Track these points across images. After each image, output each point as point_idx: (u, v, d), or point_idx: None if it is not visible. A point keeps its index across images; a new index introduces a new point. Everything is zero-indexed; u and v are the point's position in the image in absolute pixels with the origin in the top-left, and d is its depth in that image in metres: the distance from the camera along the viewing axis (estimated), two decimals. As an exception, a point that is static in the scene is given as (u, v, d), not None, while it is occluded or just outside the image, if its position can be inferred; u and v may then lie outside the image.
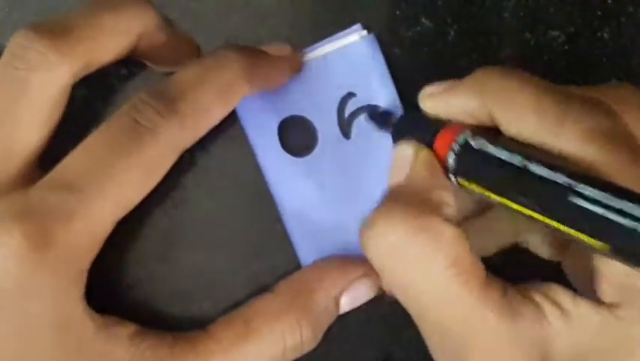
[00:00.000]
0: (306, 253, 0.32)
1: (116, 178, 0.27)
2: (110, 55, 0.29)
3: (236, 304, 0.32)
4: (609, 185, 0.22)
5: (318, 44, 0.32)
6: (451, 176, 0.26)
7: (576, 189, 0.22)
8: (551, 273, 0.28)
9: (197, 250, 0.33)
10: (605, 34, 0.33)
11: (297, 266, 0.32)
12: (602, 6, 0.33)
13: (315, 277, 0.31)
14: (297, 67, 0.32)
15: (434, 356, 0.27)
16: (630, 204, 0.21)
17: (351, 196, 0.32)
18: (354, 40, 0.32)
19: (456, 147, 0.26)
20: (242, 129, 0.33)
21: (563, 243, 0.29)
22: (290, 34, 0.33)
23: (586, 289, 0.26)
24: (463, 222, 0.30)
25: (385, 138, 0.32)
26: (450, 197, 0.26)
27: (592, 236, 0.22)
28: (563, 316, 0.24)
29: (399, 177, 0.27)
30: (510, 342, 0.24)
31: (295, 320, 0.30)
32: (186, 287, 0.33)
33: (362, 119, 0.32)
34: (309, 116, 0.32)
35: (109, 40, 0.29)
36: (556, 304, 0.24)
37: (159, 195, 0.31)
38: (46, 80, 0.28)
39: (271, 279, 0.32)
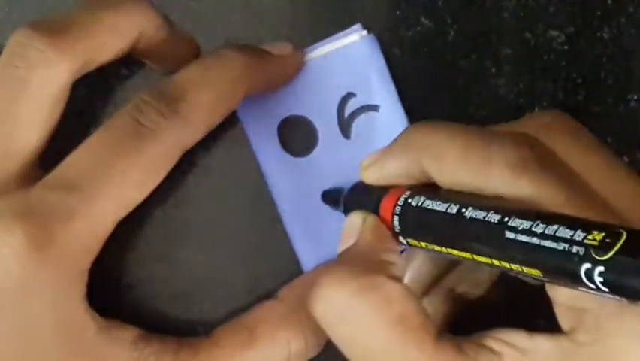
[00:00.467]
0: (307, 254, 0.32)
1: (117, 178, 0.27)
2: (110, 54, 0.29)
3: (236, 305, 0.32)
4: (538, 213, 0.22)
5: (318, 44, 0.32)
6: (402, 239, 0.26)
7: (509, 224, 0.22)
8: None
9: (197, 250, 0.33)
10: (604, 35, 0.33)
11: (298, 266, 0.32)
12: (602, 6, 0.33)
13: None
14: (298, 66, 0.32)
15: None
16: (557, 227, 0.21)
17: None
18: (354, 40, 0.32)
19: (397, 209, 0.26)
20: (242, 129, 0.33)
21: None
22: (290, 34, 0.33)
23: None
24: (446, 274, 0.30)
25: (386, 137, 0.32)
26: (397, 257, 0.26)
27: (528, 265, 0.22)
28: (520, 356, 0.24)
29: (346, 244, 0.27)
30: None
31: (299, 327, 0.30)
32: (186, 287, 0.33)
33: (362, 118, 0.32)
34: (309, 116, 0.32)
35: (108, 39, 0.29)
36: (512, 346, 0.24)
37: (160, 195, 0.31)
38: (46, 78, 0.28)
39: (271, 279, 0.32)
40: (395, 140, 0.27)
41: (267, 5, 0.33)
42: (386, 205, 0.26)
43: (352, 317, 0.24)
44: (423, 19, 0.33)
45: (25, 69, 0.28)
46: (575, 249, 0.20)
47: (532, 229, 0.21)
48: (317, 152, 0.32)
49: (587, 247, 0.20)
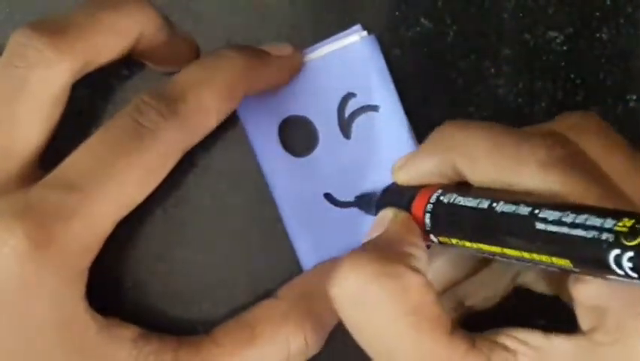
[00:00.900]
0: (307, 254, 0.32)
1: (117, 178, 0.27)
2: (110, 54, 0.29)
3: (236, 305, 0.32)
4: (567, 205, 0.22)
5: (318, 45, 0.32)
6: (432, 236, 0.27)
7: (539, 215, 0.22)
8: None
9: (197, 250, 0.33)
10: (603, 35, 0.33)
11: (298, 266, 0.33)
12: (601, 7, 0.33)
13: (318, 280, 0.31)
14: (298, 67, 0.32)
15: None
16: (587, 216, 0.21)
17: (351, 196, 0.32)
18: (355, 40, 0.32)
19: (429, 207, 0.26)
20: (242, 129, 0.33)
21: (557, 278, 0.29)
22: (290, 34, 0.33)
23: None
24: (462, 282, 0.30)
25: (386, 137, 0.32)
26: (421, 253, 0.26)
27: (558, 255, 0.22)
28: (535, 354, 0.24)
29: (374, 234, 0.27)
30: None
31: (299, 325, 0.30)
32: (186, 287, 0.33)
33: (362, 119, 0.32)
34: (309, 116, 0.33)
35: (108, 40, 0.29)
36: (526, 344, 0.24)
37: (160, 194, 0.31)
38: (46, 78, 0.28)
39: (271, 279, 0.32)
40: (426, 140, 0.28)
41: (268, 6, 0.33)
42: (418, 204, 0.27)
43: (368, 303, 0.24)
44: (423, 20, 0.33)
45: (24, 69, 0.28)
46: (604, 236, 0.21)
47: (562, 219, 0.22)
48: (317, 152, 0.33)
49: (616, 233, 0.20)
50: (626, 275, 0.20)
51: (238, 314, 0.31)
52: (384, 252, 0.25)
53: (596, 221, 0.21)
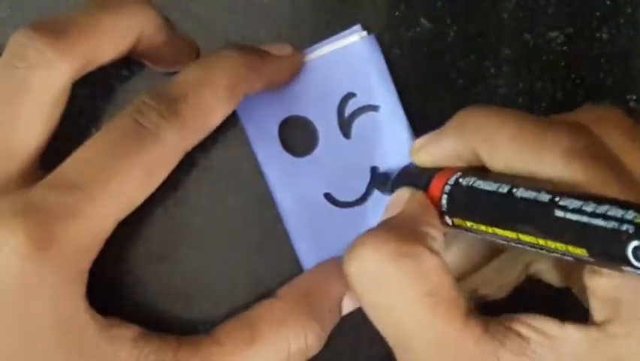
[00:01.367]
0: (307, 254, 0.32)
1: (118, 179, 0.27)
2: (110, 54, 0.29)
3: (236, 304, 0.32)
4: (589, 195, 0.23)
5: (318, 45, 0.33)
6: (447, 219, 0.27)
7: (559, 203, 0.23)
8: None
9: (197, 250, 0.33)
10: (603, 35, 0.33)
11: (298, 266, 0.33)
12: (601, 7, 0.33)
13: (318, 280, 0.32)
14: (297, 67, 0.32)
15: None
16: (608, 207, 0.21)
17: (351, 196, 0.32)
18: (354, 40, 0.32)
19: (447, 188, 0.26)
20: (242, 129, 0.33)
21: (569, 269, 0.29)
22: (290, 34, 0.33)
23: None
24: (474, 271, 0.30)
25: (386, 137, 0.32)
26: (438, 233, 0.26)
27: (575, 244, 0.22)
28: (549, 343, 0.24)
29: (391, 213, 0.27)
30: None
31: (300, 325, 0.30)
32: (186, 287, 0.33)
33: (362, 119, 0.33)
34: (309, 117, 0.33)
35: (108, 40, 0.29)
36: (540, 332, 0.24)
37: (160, 194, 0.31)
38: (46, 78, 0.28)
39: (271, 279, 0.33)
40: (448, 122, 0.28)
41: (268, 6, 0.33)
42: (436, 184, 0.27)
43: (385, 282, 0.25)
44: (423, 20, 0.33)
45: (25, 69, 0.28)
46: (624, 227, 0.21)
47: (583, 208, 0.22)
48: (317, 152, 0.33)
49: (637, 225, 0.21)
50: None
51: (238, 314, 0.31)
52: (401, 231, 0.25)
53: (618, 212, 0.21)
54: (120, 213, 0.28)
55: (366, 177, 0.32)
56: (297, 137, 0.33)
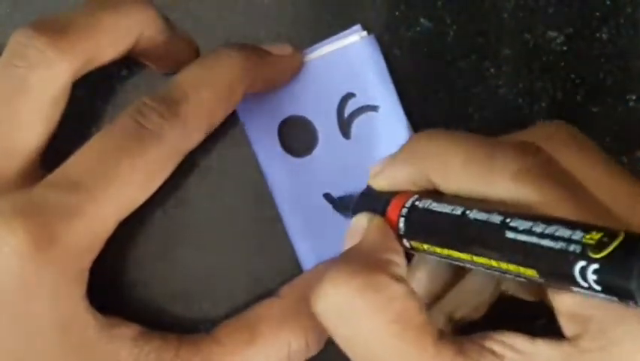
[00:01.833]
0: (307, 254, 0.32)
1: (119, 179, 0.27)
2: (110, 54, 0.29)
3: (236, 304, 0.32)
4: (539, 216, 0.23)
5: (318, 45, 0.33)
6: (405, 241, 0.27)
7: (510, 224, 0.23)
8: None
9: (197, 250, 0.33)
10: (603, 35, 0.33)
11: (298, 266, 0.33)
12: (601, 7, 0.33)
13: (319, 280, 0.31)
14: (297, 67, 0.32)
15: None
16: (557, 227, 0.22)
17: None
18: (354, 40, 0.32)
19: (404, 211, 0.26)
20: (242, 129, 0.33)
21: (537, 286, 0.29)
22: (290, 34, 0.33)
23: None
24: (444, 294, 0.30)
25: (386, 137, 0.32)
26: (400, 258, 0.26)
27: (525, 265, 0.22)
28: (521, 359, 0.24)
29: (350, 244, 0.27)
30: None
31: (300, 325, 0.30)
32: (186, 287, 0.33)
33: (362, 119, 0.33)
34: (309, 117, 0.33)
35: (108, 39, 0.29)
36: (513, 349, 0.24)
37: (160, 194, 0.31)
38: (46, 77, 0.28)
39: (271, 279, 0.32)
40: (401, 148, 0.28)
41: (267, 6, 0.33)
42: (394, 208, 0.27)
43: (353, 316, 0.24)
44: (422, 20, 0.33)
45: (25, 69, 0.28)
46: (572, 247, 0.21)
47: (532, 228, 0.22)
48: (317, 152, 0.33)
49: (583, 245, 0.20)
50: (590, 288, 0.20)
51: (238, 314, 0.31)
52: (364, 262, 0.25)
53: (565, 232, 0.21)
54: (121, 213, 0.28)
55: (366, 178, 0.32)
56: (297, 137, 0.33)
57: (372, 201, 0.28)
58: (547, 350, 0.24)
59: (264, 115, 0.32)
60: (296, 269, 0.33)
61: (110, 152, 0.27)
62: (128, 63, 0.32)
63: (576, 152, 0.28)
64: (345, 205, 0.31)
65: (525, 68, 0.33)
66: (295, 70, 0.32)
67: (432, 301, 0.30)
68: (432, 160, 0.26)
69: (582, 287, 0.21)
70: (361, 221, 0.27)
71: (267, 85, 0.31)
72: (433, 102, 0.33)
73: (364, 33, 0.33)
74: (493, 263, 0.23)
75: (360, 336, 0.24)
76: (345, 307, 0.24)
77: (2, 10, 0.33)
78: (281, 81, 0.32)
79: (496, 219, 0.23)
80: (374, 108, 0.32)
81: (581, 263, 0.20)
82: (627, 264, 0.20)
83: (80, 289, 0.28)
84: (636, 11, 0.33)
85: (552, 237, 0.21)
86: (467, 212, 0.24)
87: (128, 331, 0.28)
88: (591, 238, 0.20)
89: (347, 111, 0.32)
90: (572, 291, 0.21)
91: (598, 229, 0.21)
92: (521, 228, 0.22)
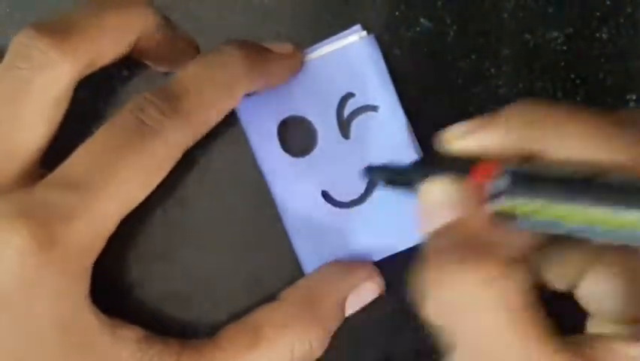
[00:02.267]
0: (307, 254, 0.32)
1: (119, 177, 0.27)
2: (112, 54, 0.29)
3: (236, 304, 0.32)
4: None
5: (317, 45, 0.33)
6: (494, 208, 0.25)
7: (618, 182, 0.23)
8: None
9: (197, 250, 0.33)
10: (603, 35, 0.33)
11: (298, 266, 0.33)
12: (601, 7, 0.33)
13: (322, 283, 0.31)
14: (298, 66, 0.32)
15: None
16: None
17: (350, 196, 0.32)
18: (354, 40, 0.32)
19: (504, 175, 0.25)
20: (242, 129, 0.33)
21: (580, 267, 0.29)
22: (290, 34, 0.33)
23: (604, 312, 0.27)
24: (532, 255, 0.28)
25: (385, 138, 0.32)
26: (507, 235, 0.25)
27: None
28: None
29: (438, 220, 0.26)
30: None
31: (303, 329, 0.30)
32: (186, 287, 0.33)
33: (361, 119, 0.32)
34: (308, 117, 0.33)
35: (110, 40, 0.29)
36: (624, 356, 0.23)
37: (160, 194, 0.31)
38: (49, 79, 0.28)
39: (271, 279, 0.32)
40: (496, 114, 0.27)
41: (268, 6, 0.33)
42: (483, 173, 0.26)
43: (471, 317, 0.24)
44: (422, 20, 0.33)
45: (28, 70, 0.28)
46: None
47: None
48: (316, 152, 0.33)
49: None
50: None
51: (238, 315, 0.31)
52: (471, 250, 0.24)
53: None
54: (122, 210, 0.28)
55: (366, 177, 0.32)
56: (296, 137, 0.33)
57: (440, 168, 0.27)
58: None
59: (264, 115, 0.32)
60: (296, 269, 0.33)
61: (110, 149, 0.27)
62: (129, 64, 0.32)
63: None
64: (390, 174, 0.30)
65: (525, 68, 0.33)
66: (295, 68, 0.32)
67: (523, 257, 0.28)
68: (548, 125, 0.26)
69: None
70: (439, 190, 0.26)
71: (268, 83, 0.31)
72: (433, 102, 0.33)
73: (364, 33, 0.33)
74: (607, 222, 0.23)
75: (479, 338, 0.24)
76: (462, 308, 0.24)
77: (2, 10, 0.33)
78: (281, 79, 0.32)
79: (608, 180, 0.23)
80: (374, 108, 0.32)
81: None
82: None
83: (82, 288, 0.28)
84: (636, 11, 0.33)
85: None
86: (575, 174, 0.24)
87: (131, 333, 0.28)
88: None
89: (346, 111, 0.32)
90: None
91: None
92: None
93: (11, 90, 0.28)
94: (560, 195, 0.24)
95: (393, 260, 0.32)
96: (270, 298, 0.31)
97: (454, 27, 0.33)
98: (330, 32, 0.33)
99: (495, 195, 0.25)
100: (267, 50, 0.31)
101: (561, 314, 0.25)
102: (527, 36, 0.33)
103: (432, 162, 0.28)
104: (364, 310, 0.32)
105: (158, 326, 0.30)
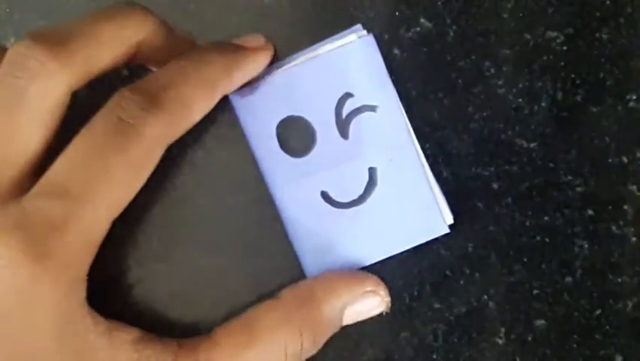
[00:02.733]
0: (306, 254, 0.32)
1: (106, 180, 0.27)
2: (109, 63, 0.29)
3: (235, 304, 0.32)
4: None
5: (317, 44, 0.33)
6: None
7: None
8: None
9: (197, 250, 0.33)
10: (603, 35, 0.33)
11: (298, 266, 0.33)
12: (601, 7, 0.33)
13: (322, 287, 0.31)
14: (269, 57, 0.32)
15: None
16: None
17: (349, 197, 0.32)
18: (353, 40, 0.32)
19: None
20: (241, 130, 0.33)
21: None
22: (290, 34, 0.33)
23: None
24: None
25: (384, 138, 0.32)
26: None
27: None
28: None
29: None
30: None
31: (297, 329, 0.30)
32: (186, 287, 0.33)
33: (360, 119, 0.32)
34: (307, 117, 0.33)
35: (108, 49, 0.29)
36: None
37: (159, 195, 0.31)
38: (46, 88, 0.28)
39: (271, 279, 0.33)
40: None
41: (267, 5, 0.33)
42: None
43: None
44: (422, 20, 0.33)
45: (25, 80, 0.28)
46: None
47: None
48: (315, 152, 0.33)
49: None
50: None
51: (238, 314, 0.31)
52: None
53: None
54: (112, 213, 0.28)
55: (365, 178, 0.32)
56: (295, 137, 0.33)
57: None
58: None
59: (262, 115, 0.32)
60: (296, 269, 0.33)
61: (92, 152, 0.27)
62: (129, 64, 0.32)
63: None
64: None
65: (525, 68, 0.33)
66: (267, 61, 0.32)
67: None
68: None
69: None
70: None
71: (245, 78, 0.31)
72: (433, 102, 0.33)
73: (364, 33, 0.33)
74: None
75: None
76: None
77: (2, 10, 0.33)
78: (255, 73, 0.32)
79: None
80: (372, 108, 0.32)
81: None
82: None
83: (78, 296, 0.27)
84: (636, 11, 0.33)
85: None
86: None
87: (128, 335, 0.28)
88: None
89: (345, 111, 0.32)
90: None
91: None
92: None
93: (7, 99, 0.28)
94: None
95: (392, 260, 0.32)
96: (270, 297, 0.31)
97: (454, 27, 0.33)
98: (330, 32, 0.33)
99: None
100: (242, 48, 0.31)
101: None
102: (527, 36, 0.33)
103: None
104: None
105: (158, 326, 0.30)
